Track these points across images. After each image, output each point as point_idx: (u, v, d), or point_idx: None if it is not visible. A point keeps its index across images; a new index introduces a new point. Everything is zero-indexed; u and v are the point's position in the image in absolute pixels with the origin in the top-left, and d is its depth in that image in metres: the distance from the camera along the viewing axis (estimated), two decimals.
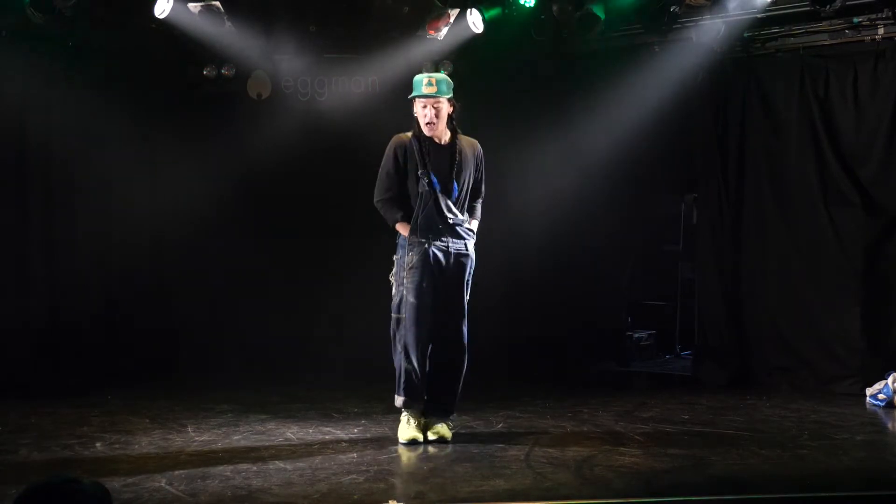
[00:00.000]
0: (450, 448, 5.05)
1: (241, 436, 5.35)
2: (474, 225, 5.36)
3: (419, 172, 5.14)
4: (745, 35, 7.36)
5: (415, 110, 5.24)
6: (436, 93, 5.15)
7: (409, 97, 5.24)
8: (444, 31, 7.40)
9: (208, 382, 7.05)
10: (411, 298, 5.13)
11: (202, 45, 7.33)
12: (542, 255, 8.05)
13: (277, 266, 8.13)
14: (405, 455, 4.97)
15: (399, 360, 5.22)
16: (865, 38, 7.03)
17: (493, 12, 7.38)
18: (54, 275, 7.28)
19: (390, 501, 3.93)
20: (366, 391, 6.54)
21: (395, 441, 5.18)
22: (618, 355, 8.57)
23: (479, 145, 5.39)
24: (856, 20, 6.98)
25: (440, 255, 5.18)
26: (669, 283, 9.20)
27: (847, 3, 6.70)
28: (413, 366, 5.15)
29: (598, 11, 7.13)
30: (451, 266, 5.21)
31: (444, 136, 5.24)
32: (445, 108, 5.20)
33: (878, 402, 6.43)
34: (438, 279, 5.17)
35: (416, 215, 5.15)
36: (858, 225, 7.01)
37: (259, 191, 8.08)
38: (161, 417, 5.84)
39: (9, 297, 7.06)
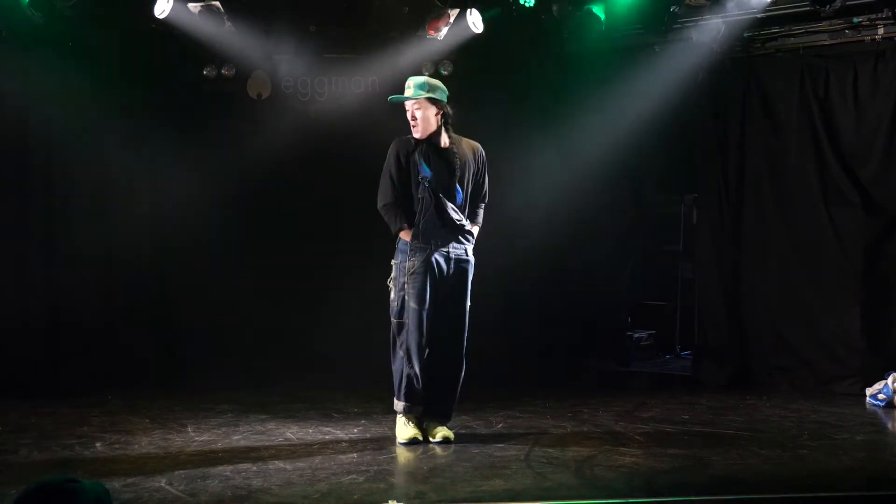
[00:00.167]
0: (450, 448, 5.05)
1: (241, 436, 5.35)
2: (475, 230, 5.34)
3: (420, 177, 5.13)
4: (745, 35, 7.36)
5: None
6: (411, 95, 5.15)
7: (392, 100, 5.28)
8: (444, 31, 7.40)
9: (208, 382, 7.05)
10: (413, 304, 5.12)
11: (202, 45, 7.33)
12: (542, 255, 8.04)
13: (277, 266, 8.12)
14: (405, 455, 4.97)
15: (400, 365, 5.21)
16: (865, 38, 7.03)
17: (493, 12, 7.37)
18: (54, 275, 7.29)
19: (390, 501, 3.93)
20: (366, 391, 6.54)
21: (395, 441, 5.18)
22: (618, 355, 8.57)
23: (480, 148, 5.36)
24: (856, 20, 6.99)
25: (441, 260, 5.17)
26: (669, 283, 9.19)
27: (847, 3, 6.71)
28: (414, 370, 5.14)
29: (598, 11, 7.14)
30: (451, 271, 5.19)
31: (443, 139, 5.22)
32: (428, 110, 5.16)
33: (878, 402, 6.43)
34: (439, 284, 5.16)
35: (418, 220, 5.13)
36: (858, 225, 7.01)
37: (259, 191, 8.08)
38: (161, 417, 5.84)
39: (9, 297, 7.07)
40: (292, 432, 5.44)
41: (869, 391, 6.59)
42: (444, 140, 5.21)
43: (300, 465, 4.65)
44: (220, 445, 5.10)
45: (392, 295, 5.24)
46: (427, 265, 5.13)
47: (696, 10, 7.25)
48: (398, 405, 5.24)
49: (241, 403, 6.26)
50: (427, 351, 5.17)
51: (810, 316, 7.20)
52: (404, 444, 5.12)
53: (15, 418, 5.77)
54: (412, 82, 5.22)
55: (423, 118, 5.15)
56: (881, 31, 6.95)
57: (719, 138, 7.60)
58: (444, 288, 5.18)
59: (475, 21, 7.26)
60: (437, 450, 5.04)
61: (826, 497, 4.22)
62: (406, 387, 5.18)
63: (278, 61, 7.77)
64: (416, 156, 5.17)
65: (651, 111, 7.56)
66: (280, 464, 4.67)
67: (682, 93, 7.56)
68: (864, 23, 6.99)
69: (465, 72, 7.70)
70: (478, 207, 5.39)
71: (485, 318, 7.12)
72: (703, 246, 7.88)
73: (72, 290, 7.37)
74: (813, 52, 7.24)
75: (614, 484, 4.35)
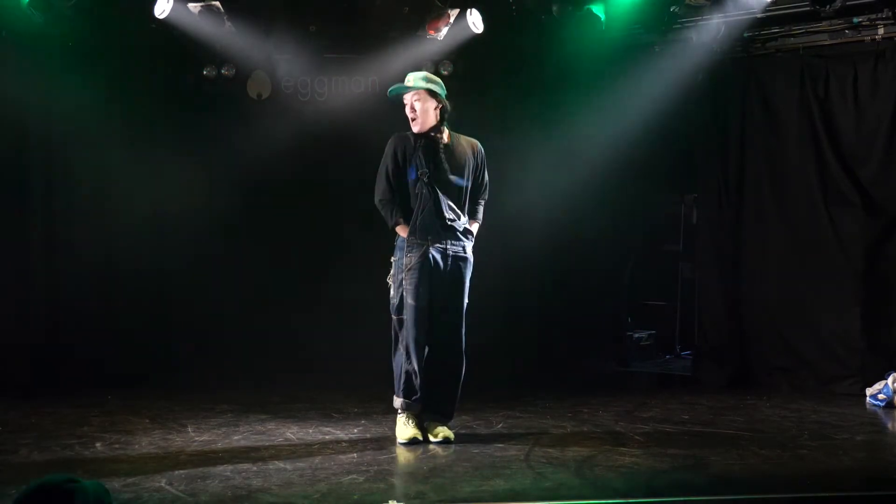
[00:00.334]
0: (450, 448, 5.05)
1: (241, 436, 5.35)
2: (475, 227, 5.34)
3: (418, 173, 5.13)
4: (745, 35, 7.36)
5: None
6: (411, 85, 5.18)
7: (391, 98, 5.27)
8: (444, 31, 7.40)
9: (208, 382, 7.05)
10: (410, 300, 5.13)
11: (202, 45, 7.33)
12: (541, 255, 8.04)
13: (277, 265, 8.12)
14: (405, 455, 4.97)
15: (399, 361, 5.22)
16: (865, 38, 7.04)
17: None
18: (54, 275, 7.29)
19: (390, 501, 3.93)
20: (366, 391, 6.54)
21: (395, 441, 5.18)
22: (618, 355, 8.57)
23: (479, 144, 5.36)
24: (856, 20, 6.99)
25: (438, 256, 5.16)
26: (669, 283, 9.20)
27: (847, 3, 6.71)
28: (413, 367, 5.14)
29: (598, 11, 7.13)
30: (449, 268, 5.19)
31: (442, 135, 5.21)
32: (427, 102, 5.17)
33: (878, 402, 6.43)
34: (437, 281, 5.16)
35: (416, 217, 5.14)
36: (858, 225, 7.01)
37: (259, 191, 8.07)
38: (161, 417, 5.84)
39: (9, 297, 7.06)
40: (292, 432, 5.44)
41: (869, 391, 6.59)
42: (443, 136, 5.21)
43: (300, 465, 4.65)
44: (220, 445, 5.10)
45: (391, 292, 5.24)
46: (424, 261, 5.13)
47: (696, 10, 7.25)
48: (397, 402, 5.24)
49: (241, 403, 6.26)
50: (426, 348, 5.18)
51: (810, 316, 7.20)
52: (404, 444, 5.12)
53: (15, 418, 5.77)
54: (411, 75, 5.25)
55: (422, 110, 5.15)
56: (881, 31, 6.95)
57: (719, 138, 7.60)
58: (441, 285, 5.17)
59: (475, 21, 7.26)
60: (437, 450, 5.03)
61: (826, 497, 4.21)
62: (405, 383, 5.18)
63: (278, 61, 7.77)
64: (414, 152, 5.17)
65: (651, 111, 7.56)
66: (280, 464, 4.67)
67: (682, 93, 7.56)
68: (864, 23, 6.99)
69: (465, 72, 7.70)
70: (478, 204, 5.39)
71: (485, 317, 7.13)
72: (703, 246, 7.88)
73: (72, 290, 7.36)
74: (813, 52, 7.24)
75: (614, 484, 4.35)
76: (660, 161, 8.22)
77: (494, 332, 7.79)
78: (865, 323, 6.95)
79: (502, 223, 7.64)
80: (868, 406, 6.46)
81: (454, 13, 7.28)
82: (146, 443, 5.15)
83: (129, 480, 4.30)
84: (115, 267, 7.60)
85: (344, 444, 5.14)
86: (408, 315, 5.14)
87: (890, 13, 6.84)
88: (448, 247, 5.19)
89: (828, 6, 6.69)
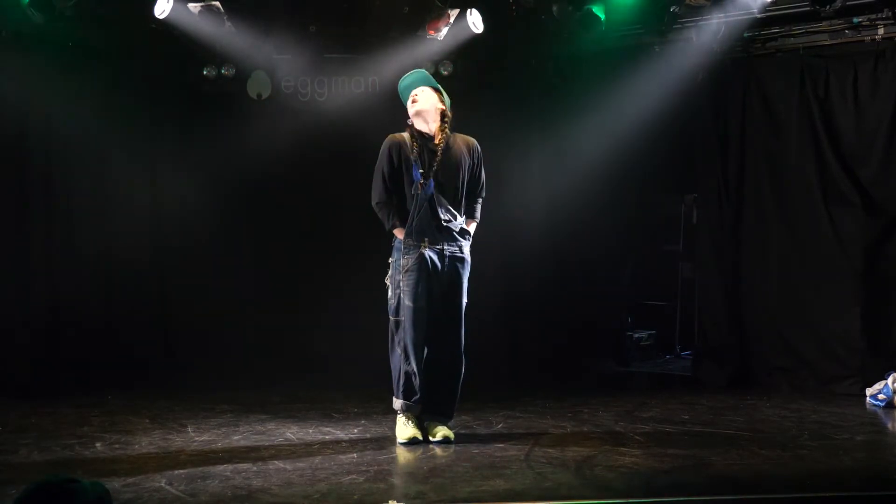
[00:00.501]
0: (450, 448, 5.05)
1: (241, 436, 5.35)
2: (472, 227, 5.33)
3: (413, 174, 5.12)
4: (745, 35, 7.36)
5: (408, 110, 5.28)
6: (422, 80, 5.22)
7: (403, 100, 5.28)
8: (444, 31, 7.39)
9: (208, 382, 7.05)
10: (407, 301, 5.13)
11: (202, 45, 7.33)
12: (541, 255, 8.04)
13: (277, 266, 8.12)
14: (405, 455, 4.97)
15: (397, 363, 5.21)
16: (865, 38, 7.03)
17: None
18: (54, 275, 7.28)
19: (390, 501, 3.93)
20: (366, 391, 6.54)
21: (395, 441, 5.18)
22: (618, 355, 8.57)
23: (476, 143, 5.34)
24: (856, 20, 6.99)
25: (435, 257, 5.15)
26: (669, 283, 9.20)
27: (847, 3, 6.70)
28: (412, 368, 5.14)
29: (598, 11, 7.13)
30: (446, 269, 5.18)
31: (438, 135, 5.20)
32: (433, 99, 5.19)
33: (878, 402, 6.43)
34: (434, 282, 5.16)
35: (411, 218, 5.13)
36: (858, 225, 7.01)
37: (259, 191, 8.08)
38: (161, 417, 5.84)
39: (9, 298, 7.06)
40: (292, 432, 5.44)
41: (869, 391, 6.58)
42: (439, 137, 5.20)
43: (300, 465, 4.65)
44: (220, 445, 5.10)
45: (389, 293, 5.24)
46: (421, 263, 5.12)
47: (696, 10, 7.25)
48: (396, 403, 5.24)
49: (241, 403, 6.27)
50: (425, 349, 5.18)
51: (810, 316, 7.20)
52: (404, 443, 5.11)
53: (15, 418, 5.77)
54: (419, 73, 5.33)
55: (430, 105, 5.17)
56: (881, 31, 6.94)
57: (719, 138, 7.59)
58: (438, 286, 5.17)
59: (475, 21, 7.26)
60: (437, 450, 5.03)
61: (826, 497, 4.21)
62: (404, 384, 5.18)
63: (278, 61, 7.77)
64: (410, 153, 5.16)
65: (651, 111, 7.55)
66: (280, 464, 4.67)
67: (682, 93, 7.55)
68: (864, 23, 6.98)
69: (465, 72, 7.70)
70: (475, 202, 5.37)
71: (485, 317, 7.14)
72: (703, 246, 7.87)
73: (72, 290, 7.36)
74: (813, 52, 7.24)
75: (614, 484, 4.34)
76: (660, 161, 8.22)
77: (494, 333, 7.80)
78: (865, 323, 6.94)
79: (502, 223, 7.66)
80: (868, 406, 6.46)
81: (454, 13, 7.28)
82: (146, 443, 5.15)
83: (129, 480, 4.30)
84: (115, 267, 7.60)
85: (344, 444, 5.15)
86: (405, 316, 5.13)
87: (890, 13, 6.84)
88: (444, 248, 5.18)
89: (828, 6, 6.68)
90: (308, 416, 5.89)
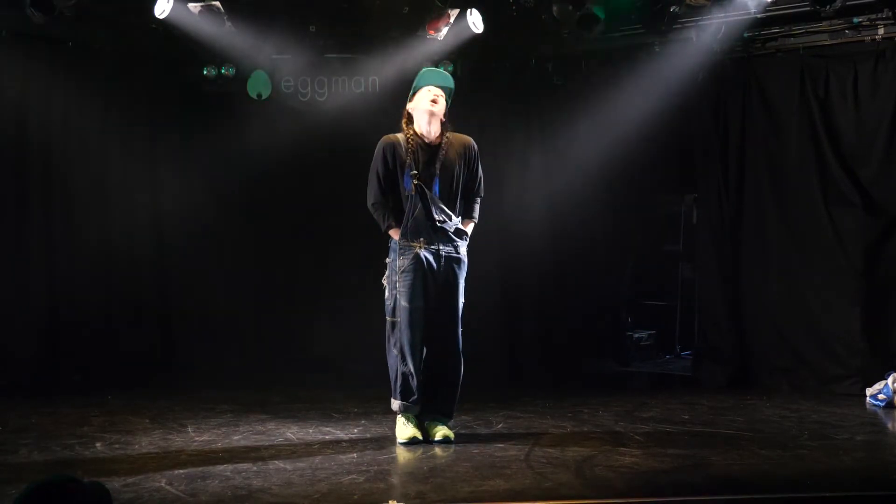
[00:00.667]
0: (450, 448, 5.05)
1: (241, 436, 5.35)
2: (470, 227, 5.31)
3: (409, 174, 5.11)
4: (745, 35, 7.35)
5: (414, 103, 5.21)
6: (447, 84, 5.21)
7: (418, 86, 5.20)
8: (444, 31, 7.39)
9: (208, 382, 7.05)
10: (404, 302, 5.12)
11: (202, 45, 7.33)
12: (541, 255, 8.04)
13: (277, 265, 8.13)
14: (405, 455, 4.97)
15: (394, 364, 5.21)
16: (865, 38, 7.03)
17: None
18: (54, 275, 7.28)
19: (390, 501, 3.93)
20: (366, 391, 6.53)
21: (394, 441, 5.17)
22: (618, 355, 8.57)
23: (472, 142, 5.31)
24: (856, 20, 6.99)
25: (431, 258, 5.14)
26: (669, 283, 9.20)
27: (847, 3, 6.70)
28: (409, 369, 5.14)
29: (598, 11, 7.12)
30: (442, 270, 5.17)
31: (434, 134, 5.19)
32: (444, 108, 5.19)
33: (878, 402, 6.43)
34: (430, 283, 5.15)
35: (406, 219, 5.12)
36: (858, 225, 7.01)
37: (259, 190, 8.09)
38: (161, 417, 5.84)
39: (9, 298, 7.06)
40: (292, 432, 5.44)
41: (869, 391, 6.58)
42: (436, 135, 5.18)
43: (300, 465, 4.65)
44: (220, 445, 5.10)
45: (386, 294, 5.24)
46: (416, 263, 5.12)
47: (696, 10, 7.24)
48: (394, 404, 5.24)
49: (241, 403, 6.27)
50: (423, 349, 5.17)
51: (810, 316, 7.20)
52: (404, 444, 5.11)
53: (15, 418, 5.76)
54: (451, 79, 5.30)
55: (440, 109, 5.16)
56: (881, 31, 6.94)
57: (719, 138, 7.59)
58: (435, 286, 5.16)
59: (475, 21, 7.26)
60: (437, 450, 5.03)
61: (826, 497, 4.21)
62: (401, 385, 5.18)
63: (278, 61, 7.77)
64: (404, 154, 5.14)
65: (651, 111, 7.55)
66: (280, 464, 4.67)
67: (682, 93, 7.55)
68: (864, 23, 6.98)
69: (465, 72, 7.70)
70: (473, 202, 5.34)
71: (485, 317, 7.15)
72: (703, 246, 7.87)
73: (72, 290, 7.36)
74: (813, 52, 7.24)
75: (614, 484, 4.35)
76: (660, 161, 8.22)
77: (494, 333, 7.80)
78: (865, 323, 6.94)
79: (502, 223, 7.67)
80: (868, 406, 6.46)
81: (454, 13, 7.28)
82: (146, 443, 5.15)
83: (129, 480, 4.30)
84: (115, 267, 7.60)
85: (344, 444, 5.15)
86: (401, 317, 5.13)
87: (890, 13, 6.84)
88: (440, 248, 5.16)
89: (828, 6, 6.68)
90: (308, 416, 5.89)
